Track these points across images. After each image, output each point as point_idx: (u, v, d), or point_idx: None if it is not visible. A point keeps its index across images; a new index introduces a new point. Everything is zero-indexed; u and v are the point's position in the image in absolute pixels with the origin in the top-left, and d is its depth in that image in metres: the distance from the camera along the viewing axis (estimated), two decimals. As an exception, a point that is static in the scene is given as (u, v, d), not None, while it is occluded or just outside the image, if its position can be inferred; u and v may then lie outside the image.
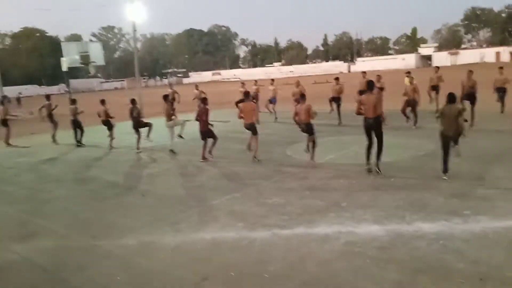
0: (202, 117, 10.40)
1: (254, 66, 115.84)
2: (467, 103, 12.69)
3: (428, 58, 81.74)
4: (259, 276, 4.81)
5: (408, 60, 79.59)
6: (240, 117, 10.27)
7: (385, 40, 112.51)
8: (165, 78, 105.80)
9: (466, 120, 7.90)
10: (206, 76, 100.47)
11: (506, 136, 11.00)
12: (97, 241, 6.14)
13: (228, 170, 9.99)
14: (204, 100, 11.05)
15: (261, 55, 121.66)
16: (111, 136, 13.86)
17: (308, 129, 9.51)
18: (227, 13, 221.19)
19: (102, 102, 14.05)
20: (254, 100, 19.37)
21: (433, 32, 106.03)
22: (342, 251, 5.25)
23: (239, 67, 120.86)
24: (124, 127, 14.67)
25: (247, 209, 7.01)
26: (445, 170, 7.75)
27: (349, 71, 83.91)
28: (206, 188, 8.53)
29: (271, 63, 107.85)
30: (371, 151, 8.49)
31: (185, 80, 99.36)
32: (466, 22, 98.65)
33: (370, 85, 8.56)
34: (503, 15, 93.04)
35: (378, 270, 4.70)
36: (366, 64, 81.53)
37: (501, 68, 14.88)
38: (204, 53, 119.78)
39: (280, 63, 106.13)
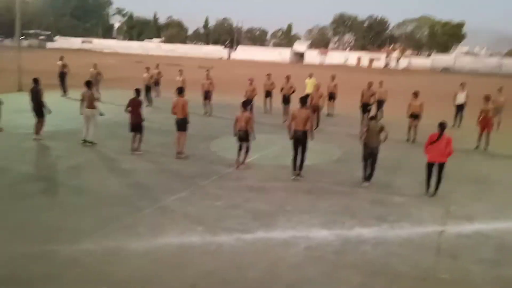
0: (135, 109, 10.00)
1: (130, 39, 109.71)
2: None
3: (301, 55, 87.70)
4: (243, 282, 5.21)
5: (284, 55, 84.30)
6: (174, 113, 10.10)
7: (263, 32, 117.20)
8: (26, 40, 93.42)
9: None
10: (74, 42, 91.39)
11: (397, 145, 12.83)
12: (51, 246, 5.75)
13: (160, 165, 9.81)
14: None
15: (138, 29, 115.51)
16: None
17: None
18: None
19: None
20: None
21: (306, 31, 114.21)
22: (305, 255, 5.92)
23: (113, 38, 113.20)
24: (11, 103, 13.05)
25: (199, 211, 7.22)
26: (365, 178, 9.01)
27: (229, 57, 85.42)
28: (145, 186, 8.36)
29: (149, 38, 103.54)
30: (297, 162, 9.21)
31: (49, 45, 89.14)
32: (335, 25, 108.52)
33: (303, 101, 9.22)
34: (365, 24, 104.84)
35: (344, 273, 5.50)
36: (247, 52, 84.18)
37: (380, 82, 17.27)
38: (72, 17, 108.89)
39: (159, 40, 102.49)
